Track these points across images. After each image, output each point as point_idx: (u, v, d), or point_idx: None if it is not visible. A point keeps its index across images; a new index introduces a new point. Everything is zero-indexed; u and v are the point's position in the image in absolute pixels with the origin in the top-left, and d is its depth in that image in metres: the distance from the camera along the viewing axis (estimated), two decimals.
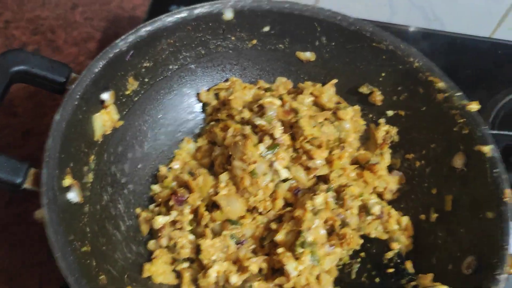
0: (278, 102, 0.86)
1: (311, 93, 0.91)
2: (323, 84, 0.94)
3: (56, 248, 0.60)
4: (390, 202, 0.88)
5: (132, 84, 0.85)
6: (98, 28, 1.23)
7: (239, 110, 0.88)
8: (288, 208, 0.80)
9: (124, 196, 0.83)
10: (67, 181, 0.69)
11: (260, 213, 0.80)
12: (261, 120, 0.84)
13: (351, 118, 0.88)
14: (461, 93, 0.82)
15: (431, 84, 0.84)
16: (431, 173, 0.86)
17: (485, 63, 1.22)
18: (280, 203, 0.80)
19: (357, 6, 1.23)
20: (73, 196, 0.70)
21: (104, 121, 0.80)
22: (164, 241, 0.78)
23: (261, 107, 0.86)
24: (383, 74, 0.91)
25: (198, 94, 0.95)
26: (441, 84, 0.83)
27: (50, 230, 0.61)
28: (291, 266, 0.71)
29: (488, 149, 0.76)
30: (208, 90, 0.95)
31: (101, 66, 0.77)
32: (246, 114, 0.87)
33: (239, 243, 0.77)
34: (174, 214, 0.79)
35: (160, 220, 0.79)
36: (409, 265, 0.80)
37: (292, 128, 0.84)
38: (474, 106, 0.80)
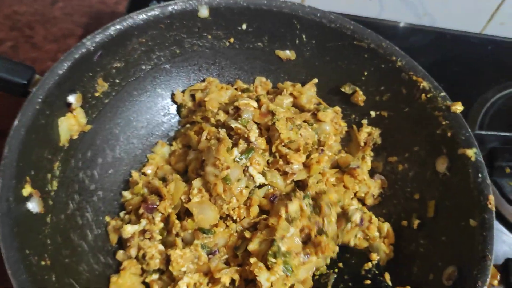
0: (254, 104, 0.82)
1: (291, 94, 0.88)
2: (304, 84, 0.91)
3: (8, 264, 0.57)
4: (371, 208, 0.84)
5: (102, 86, 0.81)
6: (79, 24, 1.19)
7: (215, 112, 0.85)
8: (263, 216, 0.76)
9: (93, 203, 0.79)
10: (27, 190, 0.65)
11: (234, 221, 0.76)
12: (236, 123, 0.80)
13: (331, 120, 0.84)
14: (445, 94, 0.78)
15: (415, 84, 0.81)
16: (414, 177, 0.82)
17: (475, 59, 1.19)
18: (255, 210, 0.76)
19: (345, 1, 1.19)
20: (33, 206, 0.66)
21: (71, 125, 0.76)
22: (133, 251, 0.75)
23: (237, 109, 0.82)
24: (365, 73, 0.87)
25: (173, 95, 0.92)
26: (424, 84, 0.80)
27: (3, 245, 0.57)
28: (263, 277, 0.68)
29: (471, 153, 0.73)
30: (184, 91, 0.92)
31: (65, 67, 0.73)
32: (222, 117, 0.83)
33: (210, 253, 0.73)
34: (143, 223, 0.76)
35: (129, 229, 0.75)
36: (387, 277, 0.76)
37: (269, 131, 0.81)
38: (458, 107, 0.76)
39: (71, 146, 0.77)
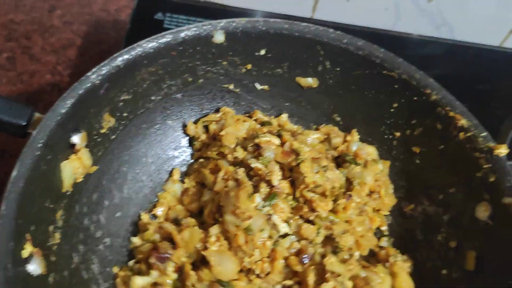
0: (277, 142, 0.75)
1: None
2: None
3: None
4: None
5: (108, 121, 0.74)
6: (78, 33, 1.12)
7: (232, 148, 0.78)
8: (296, 279, 0.69)
9: (99, 253, 0.72)
10: (27, 250, 0.58)
11: (258, 276, 0.69)
12: (257, 163, 0.73)
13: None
14: (486, 134, 0.72)
15: (452, 120, 0.74)
16: (450, 222, 0.76)
17: (495, 74, 1.10)
18: (280, 265, 0.69)
19: (357, 11, 1.12)
20: (34, 268, 0.59)
21: (75, 168, 0.69)
22: None
23: (258, 147, 0.75)
24: (395, 105, 0.80)
25: (184, 127, 0.84)
26: (463, 122, 0.73)
27: None
28: None
29: None
30: (196, 122, 0.84)
31: (69, 105, 0.66)
32: (240, 154, 0.76)
33: None
34: (155, 275, 0.69)
35: (139, 282, 0.68)
36: None
37: (292, 172, 0.74)
38: (502, 151, 0.69)
39: (75, 190, 0.70)
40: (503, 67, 1.12)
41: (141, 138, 0.80)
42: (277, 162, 0.74)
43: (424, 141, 0.79)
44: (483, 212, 0.71)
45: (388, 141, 0.83)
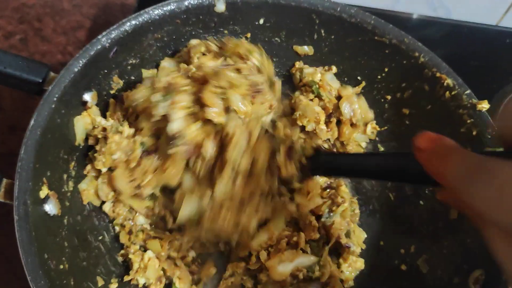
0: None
1: None
2: None
3: (28, 270, 0.55)
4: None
5: (117, 83, 0.79)
6: (87, 16, 1.17)
7: None
8: None
9: None
10: (44, 192, 0.64)
11: None
12: None
13: None
14: (470, 92, 0.76)
15: (438, 81, 0.78)
16: None
17: (492, 52, 1.15)
18: None
19: None
20: (50, 208, 0.65)
21: (86, 124, 0.74)
22: None
23: None
24: (386, 70, 0.85)
25: None
26: (448, 81, 0.77)
27: (22, 251, 0.56)
28: None
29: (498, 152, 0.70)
30: None
31: (81, 65, 0.71)
32: None
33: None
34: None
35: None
36: None
37: None
38: (484, 106, 0.74)
39: (87, 145, 0.75)
40: (499, 45, 1.16)
41: None
42: None
43: (413, 103, 0.84)
44: None
45: (380, 104, 0.88)
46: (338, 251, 0.83)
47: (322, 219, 0.83)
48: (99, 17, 1.17)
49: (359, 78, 0.89)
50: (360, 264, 0.82)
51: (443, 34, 1.16)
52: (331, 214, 0.83)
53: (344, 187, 0.87)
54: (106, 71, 0.76)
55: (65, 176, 0.70)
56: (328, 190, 0.85)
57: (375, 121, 0.89)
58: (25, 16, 1.15)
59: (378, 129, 0.89)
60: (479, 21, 1.19)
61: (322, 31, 0.86)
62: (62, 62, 1.11)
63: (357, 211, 0.86)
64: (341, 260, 0.82)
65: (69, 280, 0.62)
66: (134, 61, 0.80)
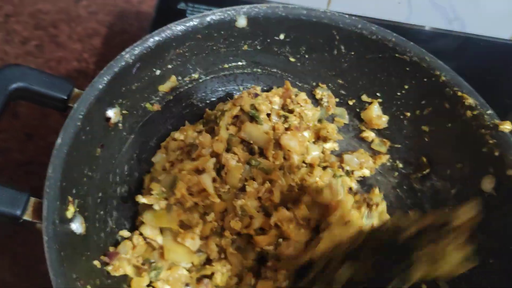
0: None
1: None
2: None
3: None
4: None
5: None
6: (103, 23, 1.18)
7: None
8: None
9: (131, 220, 0.78)
10: (70, 211, 0.64)
11: None
12: None
13: None
14: (492, 112, 0.76)
15: (459, 100, 0.79)
16: (457, 195, 0.81)
17: (507, 67, 1.14)
18: None
19: (372, 5, 1.17)
20: (77, 227, 0.65)
21: None
22: None
23: None
24: (405, 87, 0.85)
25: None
26: (470, 101, 0.77)
27: (51, 272, 0.56)
28: None
29: None
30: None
31: (105, 82, 0.71)
32: None
33: None
34: None
35: None
36: None
37: None
38: (507, 127, 0.74)
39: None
40: None
41: (167, 115, 0.86)
42: None
43: (433, 120, 0.84)
44: (488, 184, 0.75)
45: (399, 120, 0.88)
46: None
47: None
48: (114, 25, 1.18)
49: (378, 94, 0.89)
50: None
51: (457, 47, 1.17)
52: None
53: (377, 190, 0.87)
54: (128, 86, 0.76)
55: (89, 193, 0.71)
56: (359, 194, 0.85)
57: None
58: (40, 22, 1.15)
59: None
60: (494, 34, 1.18)
61: (342, 47, 0.86)
62: (78, 69, 1.12)
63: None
64: None
65: None
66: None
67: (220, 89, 0.91)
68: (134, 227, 0.78)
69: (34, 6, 1.18)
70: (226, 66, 0.88)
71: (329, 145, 0.90)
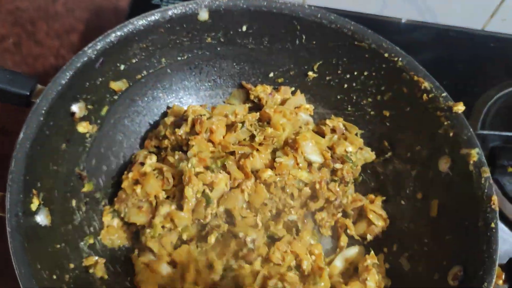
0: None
1: None
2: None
3: (21, 280, 0.57)
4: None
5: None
6: (80, 19, 1.18)
7: None
8: None
9: (99, 212, 0.80)
10: (35, 203, 0.66)
11: None
12: None
13: None
14: (446, 94, 0.79)
15: (416, 84, 0.81)
16: (417, 177, 0.84)
17: (477, 57, 1.16)
18: None
19: None
20: (42, 219, 0.67)
21: None
22: None
23: None
24: (365, 73, 0.88)
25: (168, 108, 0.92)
26: (426, 85, 0.80)
27: (15, 261, 0.58)
28: None
29: (474, 153, 0.74)
30: None
31: (68, 77, 0.72)
32: None
33: None
34: None
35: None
36: None
37: None
38: (460, 108, 0.77)
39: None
40: (484, 49, 1.18)
41: (134, 109, 0.88)
42: None
43: (393, 105, 0.87)
44: (444, 164, 0.78)
45: (361, 106, 0.91)
46: None
47: None
48: (92, 21, 1.18)
49: (337, 81, 0.91)
50: None
51: (431, 38, 1.18)
52: None
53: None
54: (92, 81, 0.78)
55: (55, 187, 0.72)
56: None
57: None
58: (18, 19, 1.15)
59: None
60: (465, 25, 1.21)
61: (304, 37, 0.88)
62: (55, 66, 1.12)
63: None
64: None
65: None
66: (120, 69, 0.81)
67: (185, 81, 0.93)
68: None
69: (12, 3, 1.17)
70: (190, 58, 0.89)
71: None
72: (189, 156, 0.79)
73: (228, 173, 0.80)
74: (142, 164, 0.80)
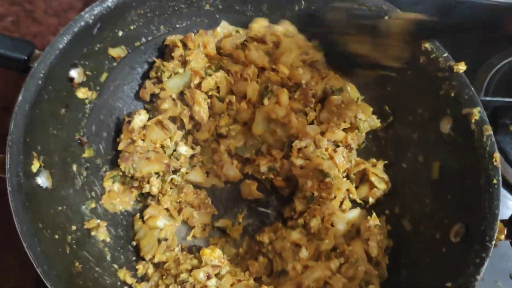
0: None
1: None
2: None
3: (23, 238, 0.57)
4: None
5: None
6: None
7: None
8: None
9: (100, 178, 0.80)
10: (35, 165, 0.66)
11: None
12: None
13: None
14: (447, 54, 0.78)
15: (416, 46, 0.80)
16: (418, 140, 0.83)
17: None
18: None
19: None
20: (43, 181, 0.67)
21: None
22: None
23: None
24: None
25: None
26: (426, 45, 0.79)
27: (16, 219, 0.58)
28: None
29: (475, 112, 0.73)
30: None
31: (65, 41, 0.72)
32: None
33: None
34: None
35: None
36: None
37: None
38: (460, 67, 0.76)
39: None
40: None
41: (133, 77, 0.87)
42: None
43: (394, 68, 0.85)
44: (445, 125, 0.78)
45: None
46: None
47: None
48: None
49: None
50: None
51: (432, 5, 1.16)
52: None
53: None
54: (90, 47, 0.77)
55: (56, 151, 0.72)
56: None
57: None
58: None
59: None
60: None
61: (303, 2, 0.87)
62: (37, 48, 1.11)
63: None
64: None
65: (64, 248, 0.64)
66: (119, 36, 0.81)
67: None
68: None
69: None
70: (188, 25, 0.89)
71: None
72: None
73: (227, 71, 0.85)
74: (129, 122, 0.80)
